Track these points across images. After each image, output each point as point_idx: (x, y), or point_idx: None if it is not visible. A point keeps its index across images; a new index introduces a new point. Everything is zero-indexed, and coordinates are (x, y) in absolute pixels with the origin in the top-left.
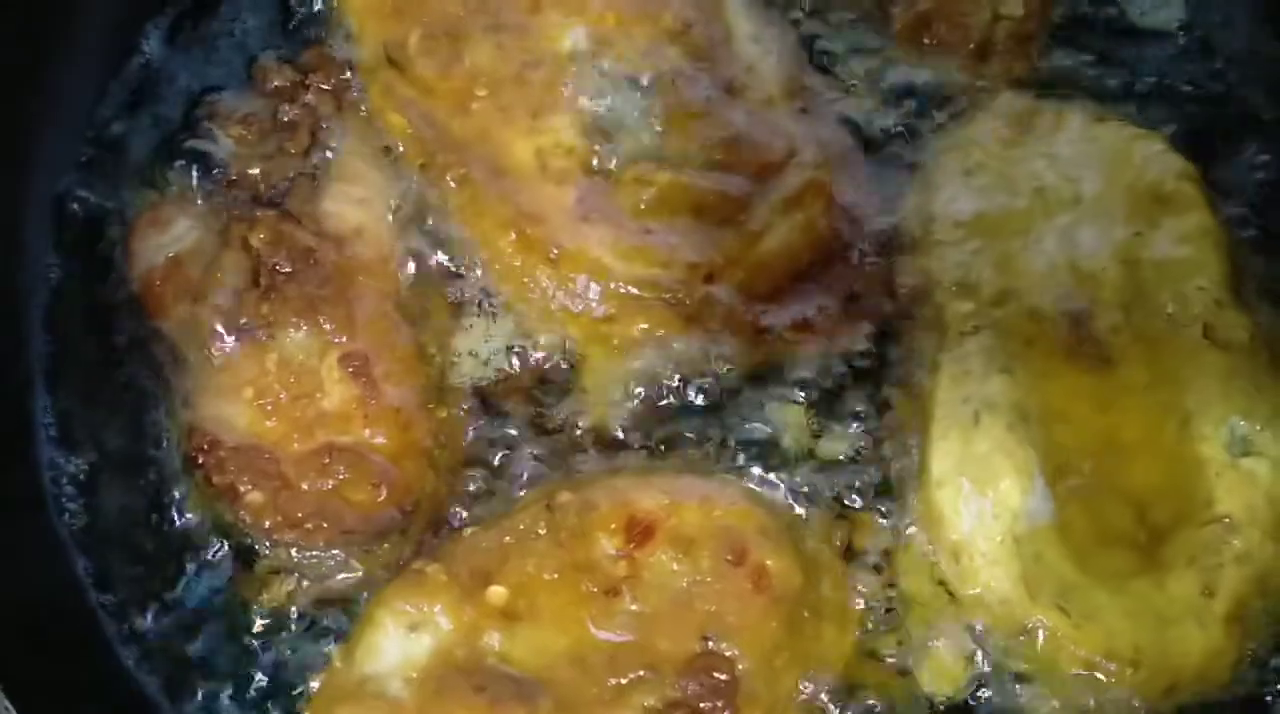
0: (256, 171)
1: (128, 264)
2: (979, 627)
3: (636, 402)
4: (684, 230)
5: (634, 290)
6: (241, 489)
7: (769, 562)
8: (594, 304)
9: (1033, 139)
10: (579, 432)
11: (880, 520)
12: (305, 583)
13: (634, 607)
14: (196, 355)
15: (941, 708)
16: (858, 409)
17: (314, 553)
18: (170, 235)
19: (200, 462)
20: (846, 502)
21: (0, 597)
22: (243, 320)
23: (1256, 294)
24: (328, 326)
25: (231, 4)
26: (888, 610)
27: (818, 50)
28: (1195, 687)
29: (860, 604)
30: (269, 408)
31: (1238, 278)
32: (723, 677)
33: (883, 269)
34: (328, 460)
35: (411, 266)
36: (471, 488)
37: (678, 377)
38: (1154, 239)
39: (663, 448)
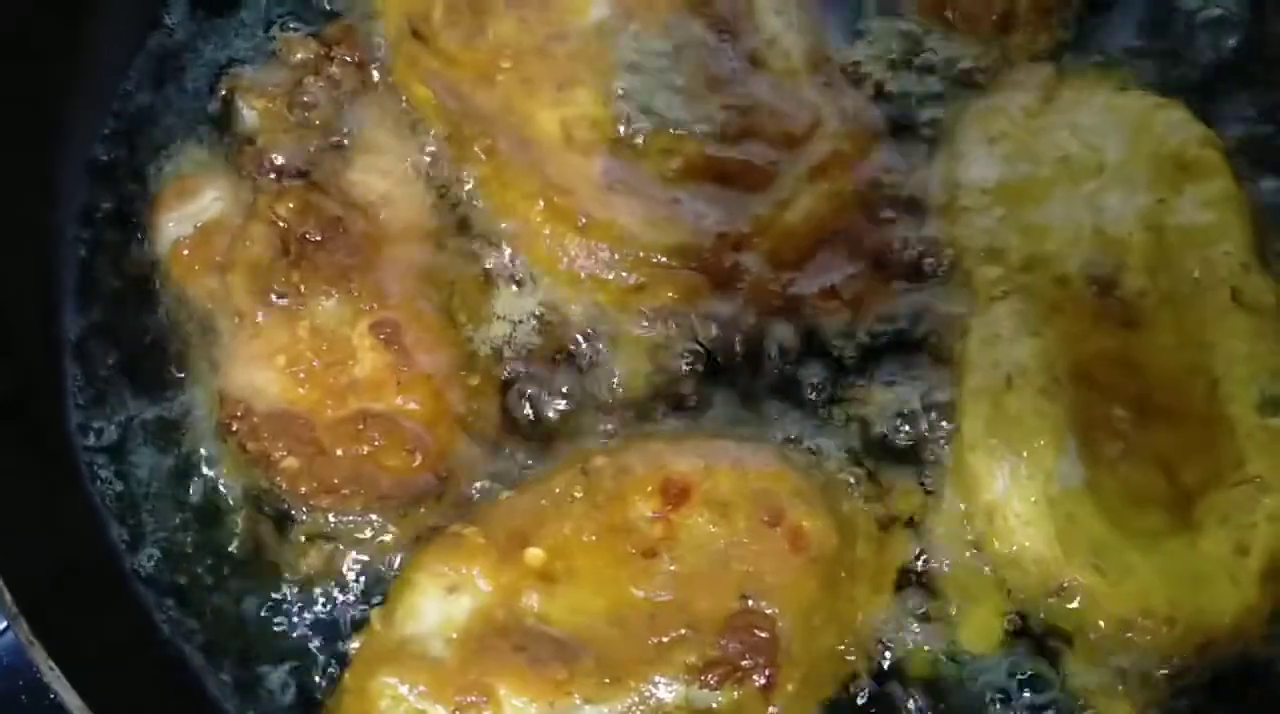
0: (282, 144)
1: (154, 235)
2: (1014, 586)
3: (667, 368)
4: (711, 199)
5: (663, 259)
6: (276, 456)
7: (805, 523)
8: (623, 272)
9: (1056, 109)
10: (610, 398)
11: (915, 483)
12: (341, 547)
13: (672, 567)
14: (226, 324)
15: (977, 665)
16: (888, 374)
17: (350, 518)
18: (197, 206)
19: (234, 429)
20: (880, 465)
21: (38, 563)
22: (273, 289)
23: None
24: (358, 295)
25: None
26: (923, 571)
27: (840, 23)
28: (1230, 643)
29: (896, 565)
30: (301, 376)
31: (1262, 242)
32: (763, 634)
33: (909, 237)
34: (361, 427)
35: (440, 236)
36: (505, 453)
37: (708, 343)
38: (1178, 205)
39: (695, 413)
